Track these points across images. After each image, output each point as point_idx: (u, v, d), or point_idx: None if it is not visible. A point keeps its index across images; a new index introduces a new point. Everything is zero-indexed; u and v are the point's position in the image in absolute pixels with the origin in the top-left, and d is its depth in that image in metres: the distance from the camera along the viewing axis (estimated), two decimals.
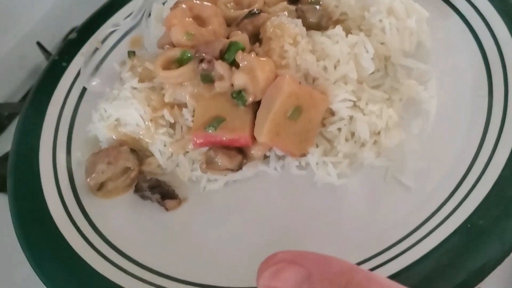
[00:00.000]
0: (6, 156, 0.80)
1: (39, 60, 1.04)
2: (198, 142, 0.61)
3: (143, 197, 0.63)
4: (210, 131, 0.60)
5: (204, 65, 0.60)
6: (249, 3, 0.71)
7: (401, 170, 0.58)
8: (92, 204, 0.64)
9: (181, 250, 0.58)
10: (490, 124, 0.57)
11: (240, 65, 0.60)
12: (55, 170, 0.67)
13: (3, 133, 0.98)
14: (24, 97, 1.01)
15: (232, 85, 0.61)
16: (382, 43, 0.64)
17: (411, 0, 0.66)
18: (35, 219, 0.62)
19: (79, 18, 0.88)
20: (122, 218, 0.63)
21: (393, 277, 0.47)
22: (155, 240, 0.60)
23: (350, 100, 0.60)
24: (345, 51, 0.62)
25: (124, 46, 0.78)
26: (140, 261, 0.57)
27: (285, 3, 0.70)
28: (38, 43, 1.01)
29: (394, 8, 0.65)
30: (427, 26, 0.67)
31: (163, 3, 0.81)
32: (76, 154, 0.70)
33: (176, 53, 0.63)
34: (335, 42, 0.63)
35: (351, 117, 0.61)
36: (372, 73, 0.64)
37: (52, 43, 1.04)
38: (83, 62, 0.76)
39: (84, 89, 0.77)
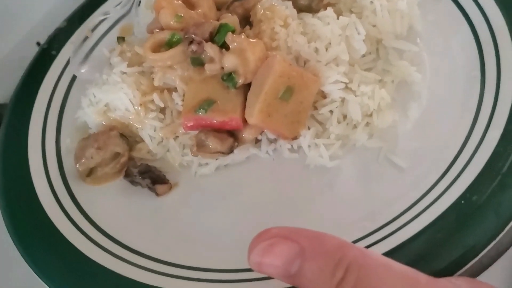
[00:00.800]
0: None
1: None
2: (188, 124, 0.60)
3: (133, 182, 0.62)
4: (200, 113, 0.59)
5: (193, 47, 0.59)
6: None
7: (393, 150, 0.57)
8: (81, 190, 0.63)
9: (172, 234, 0.57)
10: (483, 102, 0.56)
11: (230, 47, 0.60)
12: (44, 157, 0.66)
13: None
14: None
15: (223, 67, 0.60)
16: (373, 26, 0.64)
17: None
18: (24, 207, 0.61)
19: None
20: (112, 204, 0.62)
21: (388, 254, 0.46)
22: (146, 225, 0.59)
23: (342, 82, 0.60)
24: (337, 32, 0.61)
25: (114, 35, 0.76)
26: (132, 246, 0.56)
27: None
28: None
29: None
30: (418, 9, 0.66)
31: None
32: (65, 141, 0.68)
33: (165, 35, 0.62)
34: (326, 23, 0.62)
35: (343, 99, 0.60)
36: (364, 56, 0.64)
37: None
38: (72, 51, 0.75)
39: (74, 78, 0.75)
